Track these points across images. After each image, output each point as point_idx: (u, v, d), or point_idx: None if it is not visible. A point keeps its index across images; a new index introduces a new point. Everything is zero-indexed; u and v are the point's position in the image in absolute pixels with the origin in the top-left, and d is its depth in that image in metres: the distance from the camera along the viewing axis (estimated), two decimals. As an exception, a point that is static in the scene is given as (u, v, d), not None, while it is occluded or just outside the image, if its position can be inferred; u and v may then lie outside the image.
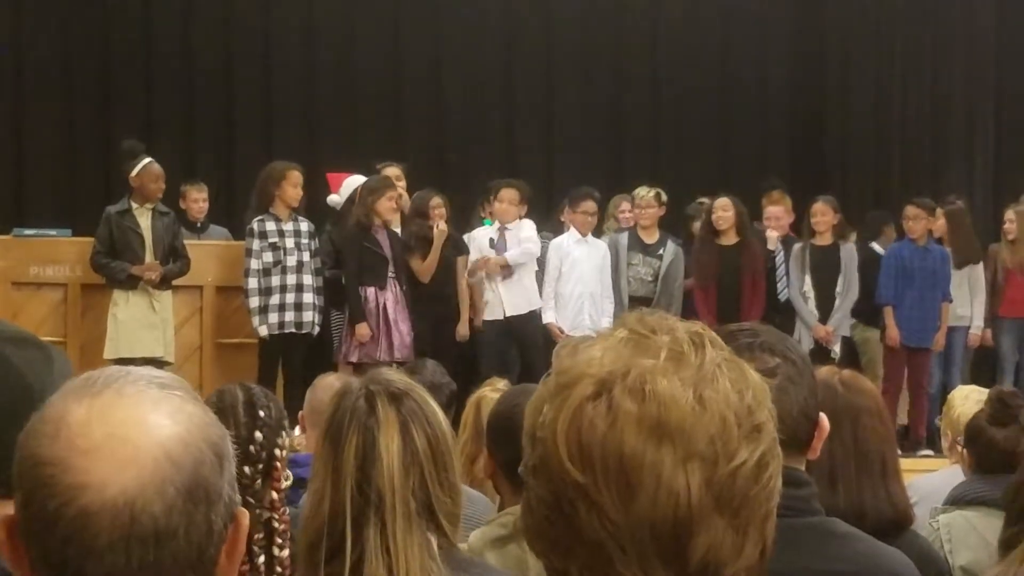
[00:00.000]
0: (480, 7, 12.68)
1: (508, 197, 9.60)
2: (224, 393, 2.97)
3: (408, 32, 12.62)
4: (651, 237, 10.11)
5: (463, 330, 9.53)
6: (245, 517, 1.27)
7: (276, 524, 2.80)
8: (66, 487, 1.18)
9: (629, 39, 13.00)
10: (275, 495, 2.81)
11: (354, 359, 8.87)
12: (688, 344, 1.19)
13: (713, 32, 12.99)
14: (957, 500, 3.76)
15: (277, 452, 2.86)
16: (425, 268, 9.38)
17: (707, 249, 9.75)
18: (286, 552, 2.78)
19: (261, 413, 2.93)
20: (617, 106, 13.03)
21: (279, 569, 2.78)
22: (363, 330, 8.86)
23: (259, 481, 2.80)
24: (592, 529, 1.14)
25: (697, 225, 10.27)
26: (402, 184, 9.68)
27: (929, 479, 4.69)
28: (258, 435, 2.85)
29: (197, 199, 10.38)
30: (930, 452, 9.53)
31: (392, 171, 9.75)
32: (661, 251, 10.04)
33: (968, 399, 4.48)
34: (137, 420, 1.21)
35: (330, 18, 12.49)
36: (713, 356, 1.19)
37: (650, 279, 10.05)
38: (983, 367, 10.14)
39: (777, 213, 10.30)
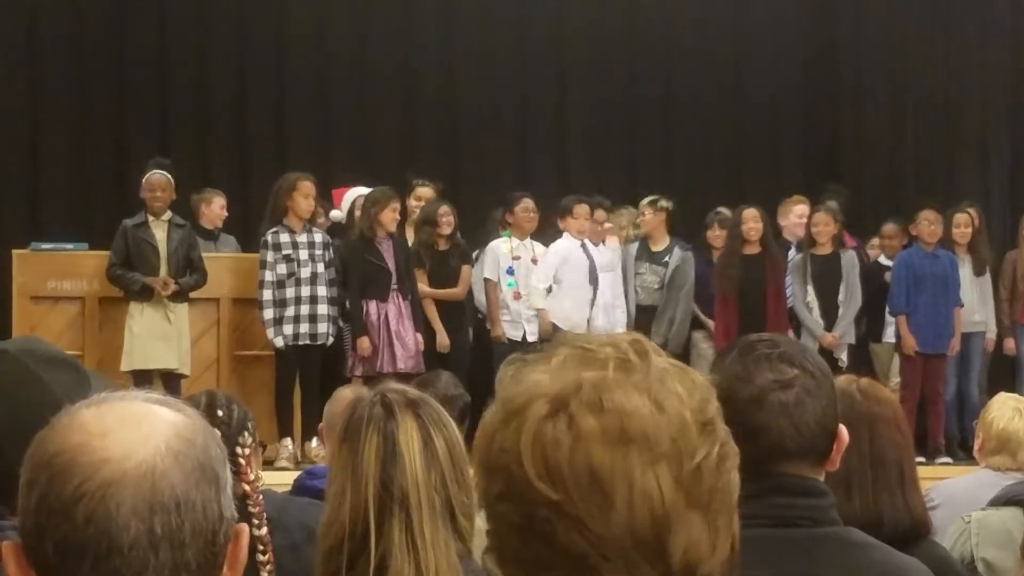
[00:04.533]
0: (492, 19, 12.70)
1: (583, 212, 9.55)
2: (189, 399, 3.07)
3: (421, 44, 12.64)
4: (658, 245, 10.15)
5: (443, 340, 9.37)
6: (245, 531, 1.29)
7: (251, 508, 2.87)
8: (86, 465, 1.20)
9: (642, 50, 13.00)
10: (246, 486, 2.90)
11: (359, 372, 8.90)
12: (632, 352, 1.21)
13: (726, 40, 12.98)
14: (996, 500, 3.79)
15: (238, 450, 2.97)
16: (459, 290, 9.43)
17: (732, 259, 9.71)
18: (264, 531, 2.87)
19: (219, 413, 3.07)
20: (630, 116, 13.03)
21: (260, 546, 2.81)
22: (364, 344, 8.90)
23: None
24: (572, 544, 1.16)
25: (711, 234, 10.25)
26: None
27: (955, 483, 4.73)
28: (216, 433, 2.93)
29: (223, 204, 10.33)
30: (949, 460, 9.49)
31: (425, 192, 9.82)
32: (667, 258, 10.05)
33: (1005, 404, 4.56)
34: (145, 410, 1.26)
35: (343, 28, 12.52)
36: (658, 361, 1.22)
37: (656, 287, 10.07)
38: (1002, 374, 10.11)
39: (803, 212, 10.26)
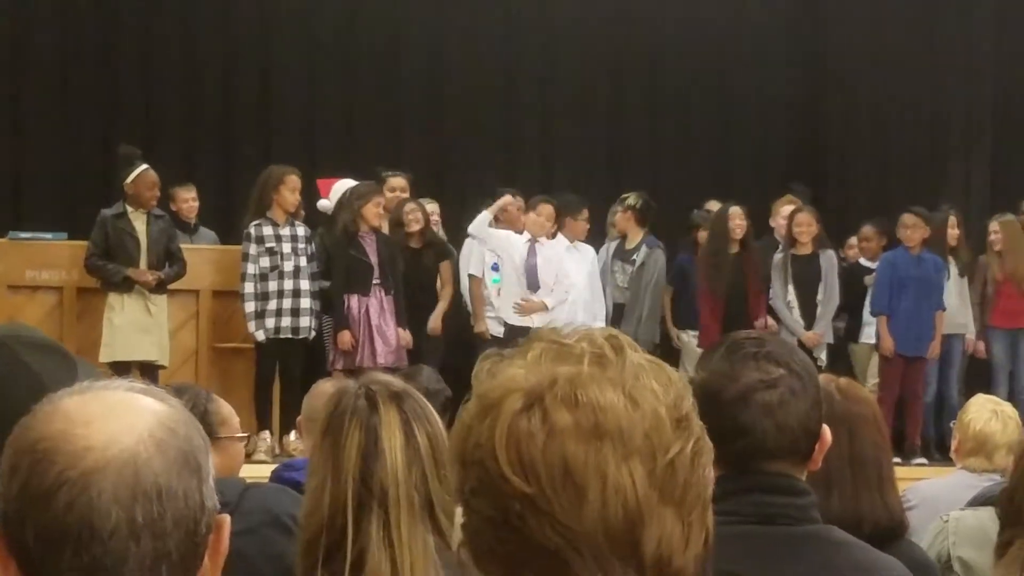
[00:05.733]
0: (480, 14, 12.70)
1: (546, 212, 9.51)
2: None
3: (408, 38, 12.63)
4: (631, 243, 10.16)
5: (434, 323, 9.43)
6: (227, 521, 1.30)
7: None
8: (68, 453, 1.20)
9: (629, 48, 13.01)
10: None
11: (340, 366, 8.89)
12: (607, 347, 1.22)
13: (712, 40, 13.00)
14: (975, 501, 3.82)
15: None
16: (450, 291, 9.54)
17: (719, 258, 9.73)
18: None
19: None
20: (615, 115, 13.05)
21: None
22: (345, 338, 8.89)
23: None
24: (545, 538, 1.16)
25: (703, 234, 10.25)
26: (406, 195, 9.73)
27: (931, 484, 4.76)
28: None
29: (187, 199, 10.30)
30: (924, 461, 9.56)
31: (397, 181, 9.79)
32: (635, 256, 10.06)
33: (983, 406, 4.60)
34: (129, 400, 1.26)
35: (330, 23, 12.51)
36: (633, 356, 1.22)
37: (626, 285, 10.08)
38: (978, 377, 10.16)
39: (788, 213, 10.32)
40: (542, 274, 9.47)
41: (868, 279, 10.22)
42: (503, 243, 9.54)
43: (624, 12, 12.93)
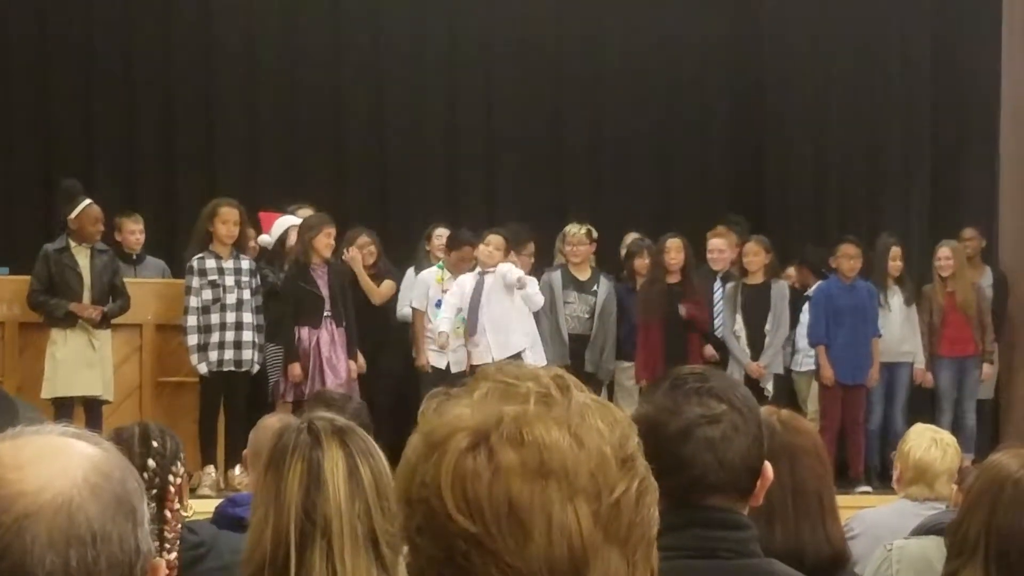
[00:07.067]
0: (422, 42, 12.73)
1: (495, 243, 9.40)
2: (122, 430, 3.22)
3: (349, 71, 12.64)
4: (584, 274, 10.15)
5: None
6: (162, 565, 1.30)
7: (166, 533, 3.01)
8: (1, 498, 1.20)
9: (569, 76, 13.08)
10: (168, 513, 3.06)
11: (290, 398, 8.88)
12: (554, 387, 1.22)
13: (653, 69, 13.09)
14: (919, 530, 3.85)
15: (171, 478, 3.12)
16: (380, 293, 9.51)
17: (656, 288, 9.79)
18: (173, 555, 3.03)
19: (154, 444, 3.17)
20: (557, 143, 13.10)
21: (166, 570, 2.89)
22: (295, 370, 8.90)
23: (153, 504, 3.02)
24: None
25: (639, 262, 10.30)
26: None
27: (875, 512, 4.80)
28: (151, 463, 3.09)
29: (134, 231, 10.23)
30: (869, 489, 9.60)
31: (303, 212, 9.81)
32: (595, 287, 10.08)
33: (922, 435, 4.64)
34: (62, 444, 1.26)
35: (273, 53, 12.49)
36: (579, 396, 1.23)
37: (587, 316, 10.08)
38: (924, 405, 10.24)
39: (720, 246, 10.36)
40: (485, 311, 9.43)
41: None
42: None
43: (565, 43, 13.01)
